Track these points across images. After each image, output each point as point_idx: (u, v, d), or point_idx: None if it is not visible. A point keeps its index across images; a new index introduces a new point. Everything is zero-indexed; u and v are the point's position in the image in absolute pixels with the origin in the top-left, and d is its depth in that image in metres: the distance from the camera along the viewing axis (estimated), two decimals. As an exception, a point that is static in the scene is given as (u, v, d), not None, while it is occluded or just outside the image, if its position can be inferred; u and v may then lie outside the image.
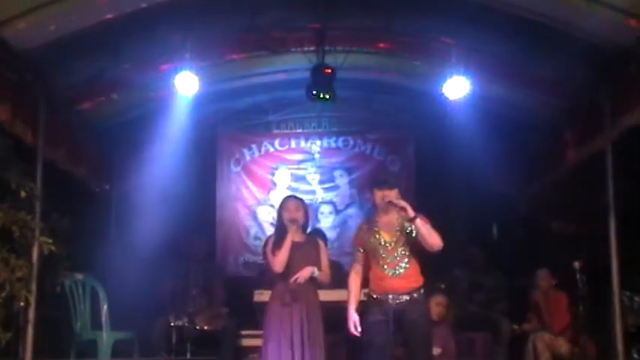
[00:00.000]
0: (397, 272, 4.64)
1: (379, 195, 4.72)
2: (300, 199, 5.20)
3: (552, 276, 6.28)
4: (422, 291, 4.69)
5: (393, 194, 4.70)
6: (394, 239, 4.68)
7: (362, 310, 4.76)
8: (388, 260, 4.65)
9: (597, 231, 5.90)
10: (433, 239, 4.60)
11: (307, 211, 5.09)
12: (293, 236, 4.87)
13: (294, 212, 4.95)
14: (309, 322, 4.82)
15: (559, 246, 6.67)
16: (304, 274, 4.86)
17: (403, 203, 4.62)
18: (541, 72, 6.35)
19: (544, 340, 6.12)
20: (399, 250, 4.67)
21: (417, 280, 4.70)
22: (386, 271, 4.64)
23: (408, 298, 4.62)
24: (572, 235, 6.55)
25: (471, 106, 6.67)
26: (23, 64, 5.42)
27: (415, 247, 4.70)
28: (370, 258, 4.72)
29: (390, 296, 4.61)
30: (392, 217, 4.73)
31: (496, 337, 6.64)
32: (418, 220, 4.59)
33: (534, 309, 6.43)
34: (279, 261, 4.84)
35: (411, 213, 4.58)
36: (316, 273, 4.90)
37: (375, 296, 4.67)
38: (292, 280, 4.86)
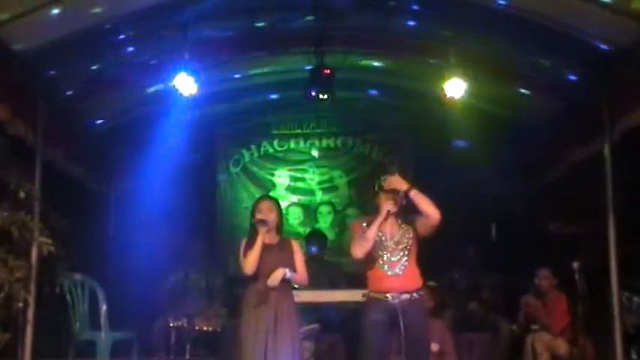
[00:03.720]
0: (397, 271, 4.65)
1: (384, 198, 4.73)
2: (274, 200, 5.07)
3: (554, 276, 6.26)
4: (421, 292, 4.71)
5: (398, 198, 4.70)
6: (396, 239, 4.71)
7: (360, 309, 4.76)
8: (387, 258, 4.67)
9: (596, 231, 5.91)
10: (432, 207, 4.66)
11: (281, 212, 4.96)
12: (264, 238, 4.74)
13: (266, 213, 4.81)
14: (280, 324, 4.67)
15: (558, 246, 6.67)
16: (276, 276, 4.71)
17: (274, 281, 4.70)
18: (540, 72, 6.36)
19: (543, 341, 6.11)
20: (400, 250, 4.69)
21: (416, 280, 4.72)
22: (385, 270, 4.65)
23: (408, 297, 4.63)
24: (570, 236, 6.55)
25: (469, 106, 6.68)
26: (23, 65, 5.42)
27: (415, 249, 4.74)
28: (369, 256, 4.71)
29: (390, 295, 4.62)
30: (396, 220, 4.76)
31: (495, 338, 6.64)
32: (413, 192, 4.64)
33: (526, 310, 6.41)
34: (249, 262, 4.71)
35: (405, 186, 4.64)
36: (289, 274, 4.74)
37: (374, 295, 4.67)
38: (268, 283, 4.72)
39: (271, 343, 4.62)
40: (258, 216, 4.80)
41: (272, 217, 4.82)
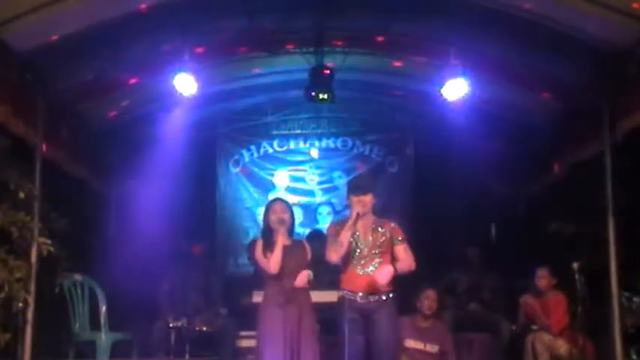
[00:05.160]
0: (368, 271, 4.73)
1: (355, 200, 4.78)
2: (287, 202, 5.20)
3: (553, 275, 6.27)
4: (391, 295, 4.76)
5: (367, 199, 4.78)
6: (368, 239, 4.78)
7: (335, 309, 4.82)
8: (361, 260, 4.75)
9: (596, 232, 5.91)
10: (408, 267, 4.75)
11: (293, 214, 5.09)
12: (283, 238, 4.87)
13: (281, 213, 4.95)
14: (303, 323, 4.84)
15: (558, 247, 6.67)
16: (303, 277, 4.87)
17: (383, 278, 4.66)
18: (540, 73, 6.36)
19: (543, 341, 6.11)
20: (373, 251, 4.76)
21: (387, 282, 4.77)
22: (357, 270, 4.73)
23: (376, 298, 4.70)
24: (571, 236, 6.55)
25: (470, 106, 6.68)
26: (23, 65, 5.42)
27: (389, 252, 4.80)
28: (344, 256, 4.77)
29: (360, 294, 4.70)
30: (368, 221, 4.82)
31: (496, 338, 6.64)
32: (389, 269, 4.66)
33: (525, 310, 6.41)
34: (274, 262, 4.83)
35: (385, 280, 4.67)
36: (312, 276, 4.91)
37: (345, 295, 4.75)
38: (296, 284, 4.86)
39: (296, 342, 4.78)
40: (276, 217, 4.92)
41: (287, 217, 4.96)
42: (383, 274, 4.64)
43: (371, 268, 4.72)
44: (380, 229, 4.81)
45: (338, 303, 4.81)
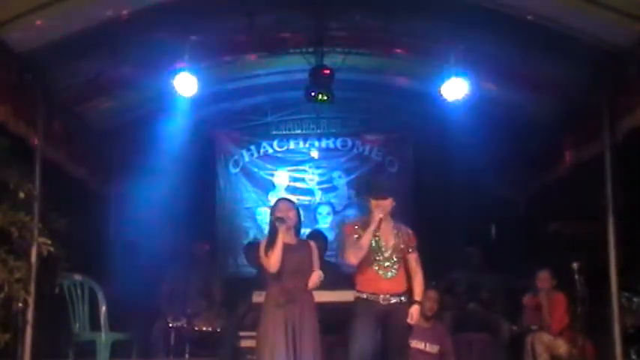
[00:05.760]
0: (389, 275, 4.80)
1: (374, 203, 4.83)
2: (292, 202, 5.23)
3: (553, 277, 6.28)
4: (406, 297, 4.85)
5: (387, 203, 4.83)
6: (390, 244, 4.83)
7: (351, 311, 4.87)
8: (382, 263, 4.80)
9: (596, 232, 5.91)
10: (422, 281, 4.94)
11: (299, 214, 5.10)
12: (284, 237, 4.87)
13: (285, 212, 4.97)
14: (304, 322, 4.85)
15: (558, 247, 6.68)
16: (315, 279, 4.90)
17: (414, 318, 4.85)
18: (540, 73, 6.36)
19: (543, 341, 6.12)
20: (393, 254, 4.82)
21: (405, 284, 4.87)
22: (379, 273, 4.79)
23: (397, 300, 4.79)
24: (570, 236, 6.56)
25: (469, 107, 6.67)
26: (23, 65, 5.42)
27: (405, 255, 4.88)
28: (362, 258, 4.80)
29: (381, 296, 4.77)
30: (388, 225, 4.87)
31: (495, 338, 6.65)
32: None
33: (533, 309, 6.41)
34: (273, 261, 4.84)
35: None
36: (322, 277, 4.93)
37: (364, 296, 4.80)
38: (310, 286, 4.89)
39: (298, 341, 4.79)
40: (278, 214, 4.92)
41: (291, 216, 4.96)
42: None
43: (391, 272, 4.79)
44: (399, 233, 4.87)
45: (354, 303, 4.86)
